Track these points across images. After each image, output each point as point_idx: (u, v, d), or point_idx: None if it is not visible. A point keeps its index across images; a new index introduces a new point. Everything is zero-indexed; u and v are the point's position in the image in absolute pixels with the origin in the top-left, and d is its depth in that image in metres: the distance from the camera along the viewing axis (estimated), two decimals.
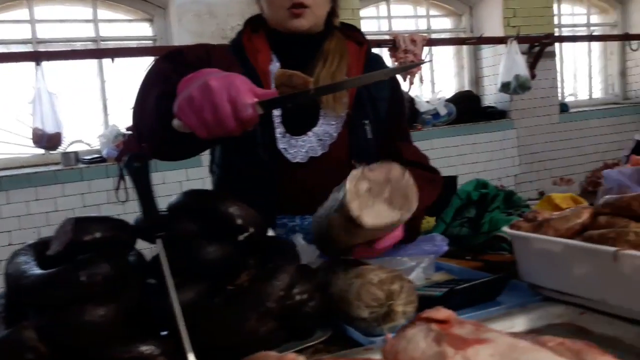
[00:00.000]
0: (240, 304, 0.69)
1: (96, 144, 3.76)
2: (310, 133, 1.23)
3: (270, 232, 1.09)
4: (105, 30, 3.82)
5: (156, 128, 0.95)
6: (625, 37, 5.28)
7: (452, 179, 4.47)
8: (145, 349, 0.68)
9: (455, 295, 0.85)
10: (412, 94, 4.50)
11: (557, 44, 5.06)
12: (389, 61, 4.66)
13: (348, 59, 1.27)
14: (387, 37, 4.10)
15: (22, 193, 3.33)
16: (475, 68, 4.97)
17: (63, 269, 0.67)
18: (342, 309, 0.84)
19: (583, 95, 5.61)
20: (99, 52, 3.46)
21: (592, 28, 5.48)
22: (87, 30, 3.77)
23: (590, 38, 5.24)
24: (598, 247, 0.77)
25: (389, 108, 1.29)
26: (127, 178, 0.63)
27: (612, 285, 0.76)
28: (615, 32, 5.51)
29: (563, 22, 5.36)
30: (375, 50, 4.76)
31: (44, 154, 3.64)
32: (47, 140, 3.15)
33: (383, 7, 4.69)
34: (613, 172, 1.09)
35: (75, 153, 3.60)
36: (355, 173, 0.81)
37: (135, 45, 3.84)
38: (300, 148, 1.22)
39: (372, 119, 1.27)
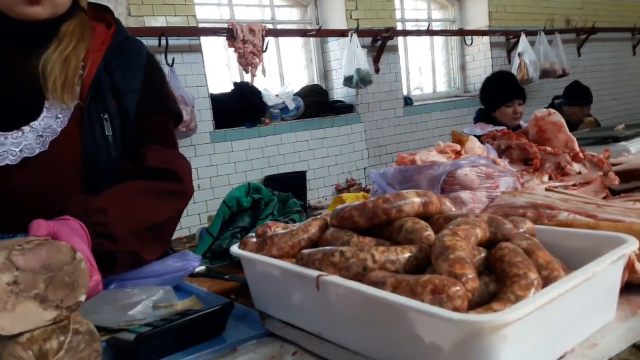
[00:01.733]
0: None
1: None
2: (26, 128, 1.00)
3: None
4: None
5: None
6: (461, 33, 5.61)
7: (302, 175, 4.44)
8: None
9: (147, 341, 0.66)
10: (259, 87, 4.34)
11: (401, 39, 5.21)
12: (225, 52, 4.44)
13: (89, 41, 1.08)
14: (225, 25, 3.88)
15: None
16: (323, 61, 4.95)
17: None
18: None
19: (428, 89, 5.87)
20: None
21: (433, 23, 5.74)
22: None
23: (428, 33, 5.47)
24: (302, 271, 0.62)
25: (139, 102, 1.09)
26: None
27: (324, 317, 0.63)
28: (454, 27, 5.83)
29: (407, 16, 5.54)
30: (213, 39, 4.46)
31: None
32: None
33: None
34: (376, 173, 0.98)
35: None
36: None
37: None
38: (11, 146, 0.99)
39: (115, 113, 1.06)
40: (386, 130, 5.00)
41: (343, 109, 4.77)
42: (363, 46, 4.55)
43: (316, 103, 4.65)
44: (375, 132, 4.93)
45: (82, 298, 0.65)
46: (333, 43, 4.81)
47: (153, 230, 1.01)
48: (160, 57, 3.61)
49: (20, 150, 1.00)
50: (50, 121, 1.03)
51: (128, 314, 0.82)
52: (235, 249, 0.77)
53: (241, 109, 4.21)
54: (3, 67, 1.04)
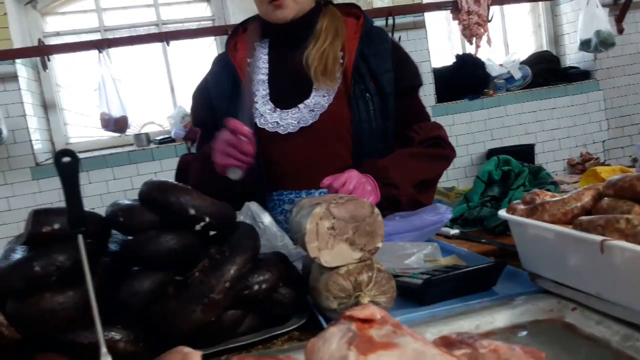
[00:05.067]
0: (185, 296, 0.68)
1: (166, 125, 3.94)
2: (301, 105, 1.29)
3: (267, 218, 1.09)
4: (166, 14, 3.94)
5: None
6: None
7: (529, 148, 4.22)
8: (106, 334, 0.70)
9: (434, 286, 0.79)
10: (482, 57, 4.24)
11: None
12: (446, 25, 4.41)
13: (344, 36, 1.31)
14: None
15: (101, 173, 3.59)
16: (554, 25, 4.57)
17: (19, 260, 0.70)
18: (314, 297, 0.82)
19: None
20: (158, 36, 3.58)
21: None
22: (150, 15, 3.91)
23: None
24: (584, 236, 0.67)
25: (395, 82, 1.28)
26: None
27: (603, 279, 0.67)
28: None
29: None
30: (439, 13, 4.48)
31: (119, 136, 3.87)
32: (114, 124, 3.34)
33: None
34: None
35: (147, 134, 3.79)
36: (318, 211, 0.77)
37: (195, 26, 3.94)
38: (291, 120, 1.28)
39: (374, 92, 1.29)
40: (631, 98, 4.42)
41: (577, 75, 4.36)
42: (604, 5, 4.07)
43: (545, 71, 4.34)
44: (617, 100, 4.40)
45: (380, 244, 0.80)
46: (565, 5, 4.40)
47: (424, 184, 1.25)
48: None
49: (298, 122, 1.29)
50: (319, 99, 1.28)
51: (404, 262, 0.97)
52: (504, 213, 0.85)
53: (463, 81, 4.18)
54: (279, 62, 1.33)
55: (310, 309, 0.84)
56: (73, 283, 0.71)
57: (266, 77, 1.34)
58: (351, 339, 0.51)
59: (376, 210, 0.80)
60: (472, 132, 4.16)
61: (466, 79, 4.18)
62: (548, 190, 1.14)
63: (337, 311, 0.77)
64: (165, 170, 3.68)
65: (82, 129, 3.92)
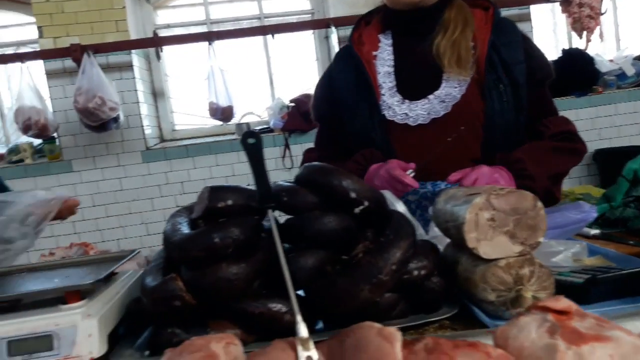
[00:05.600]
0: (354, 275, 0.71)
1: (264, 116, 4.06)
2: (431, 96, 1.27)
3: (401, 206, 1.09)
4: (268, 7, 4.05)
5: None
6: None
7: None
8: (273, 306, 0.74)
9: (598, 285, 0.76)
10: (591, 52, 3.99)
11: None
12: (551, 18, 4.18)
13: (474, 25, 1.28)
14: None
15: (205, 159, 3.77)
16: None
17: (200, 231, 0.75)
18: (467, 289, 0.81)
19: None
20: (263, 29, 3.69)
21: None
22: (253, 9, 4.04)
23: None
24: None
25: (527, 74, 1.27)
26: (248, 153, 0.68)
27: None
28: None
29: None
30: (544, 5, 4.31)
31: (221, 125, 4.05)
32: (221, 113, 3.49)
33: None
34: None
35: (247, 124, 3.94)
36: (478, 201, 0.76)
37: (295, 19, 4.02)
38: (421, 111, 1.26)
39: (507, 83, 1.25)
40: None
41: None
42: None
43: None
44: None
45: (541, 239, 0.78)
46: None
47: (557, 178, 1.21)
48: None
49: (428, 113, 1.27)
50: (450, 90, 1.26)
51: (551, 260, 0.94)
52: None
53: (570, 77, 3.95)
54: (406, 53, 1.32)
55: (459, 299, 0.83)
56: (245, 256, 0.76)
57: (392, 69, 1.34)
58: (551, 329, 0.51)
59: (539, 203, 0.78)
60: (580, 130, 3.92)
61: (573, 75, 3.95)
62: None
63: (495, 303, 0.77)
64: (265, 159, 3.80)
65: (187, 117, 4.13)
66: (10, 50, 3.89)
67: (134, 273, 1.03)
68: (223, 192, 0.78)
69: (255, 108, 4.14)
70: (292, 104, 3.83)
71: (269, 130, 3.87)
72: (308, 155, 1.48)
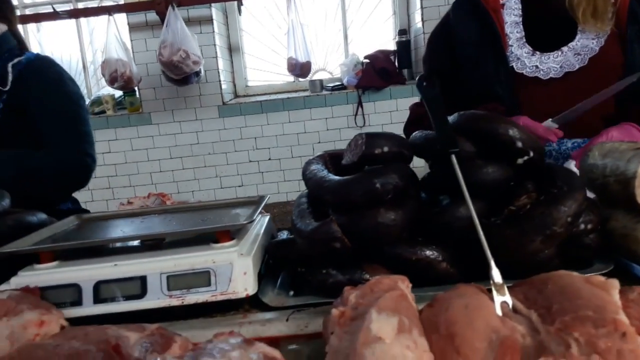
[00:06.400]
0: (524, 225, 0.69)
1: (337, 73, 4.02)
2: (565, 48, 1.20)
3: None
4: None
5: None
6: None
7: None
8: (430, 253, 0.74)
9: None
10: None
11: None
12: None
13: None
14: None
15: (278, 116, 3.80)
16: None
17: (360, 176, 0.75)
18: (625, 245, 0.78)
19: None
20: None
21: None
22: None
23: None
24: None
25: None
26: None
27: None
28: None
29: None
30: None
31: (293, 82, 4.04)
32: (300, 68, 3.48)
33: None
34: None
35: (320, 81, 3.91)
36: None
37: None
38: (553, 64, 1.19)
39: None
40: None
41: None
42: None
43: None
44: None
45: None
46: None
47: None
48: None
49: (561, 66, 1.20)
50: (587, 41, 1.18)
51: None
52: None
53: None
54: (534, 3, 1.23)
55: (612, 256, 0.80)
56: (400, 203, 0.75)
57: (520, 19, 1.27)
58: None
59: None
60: None
61: None
62: None
63: None
64: (336, 117, 3.79)
65: (259, 73, 4.15)
66: (94, 4, 3.99)
67: (264, 217, 1.06)
68: (378, 138, 0.77)
69: (329, 64, 4.10)
70: (367, 61, 3.76)
71: (342, 87, 3.84)
72: (416, 109, 1.45)
